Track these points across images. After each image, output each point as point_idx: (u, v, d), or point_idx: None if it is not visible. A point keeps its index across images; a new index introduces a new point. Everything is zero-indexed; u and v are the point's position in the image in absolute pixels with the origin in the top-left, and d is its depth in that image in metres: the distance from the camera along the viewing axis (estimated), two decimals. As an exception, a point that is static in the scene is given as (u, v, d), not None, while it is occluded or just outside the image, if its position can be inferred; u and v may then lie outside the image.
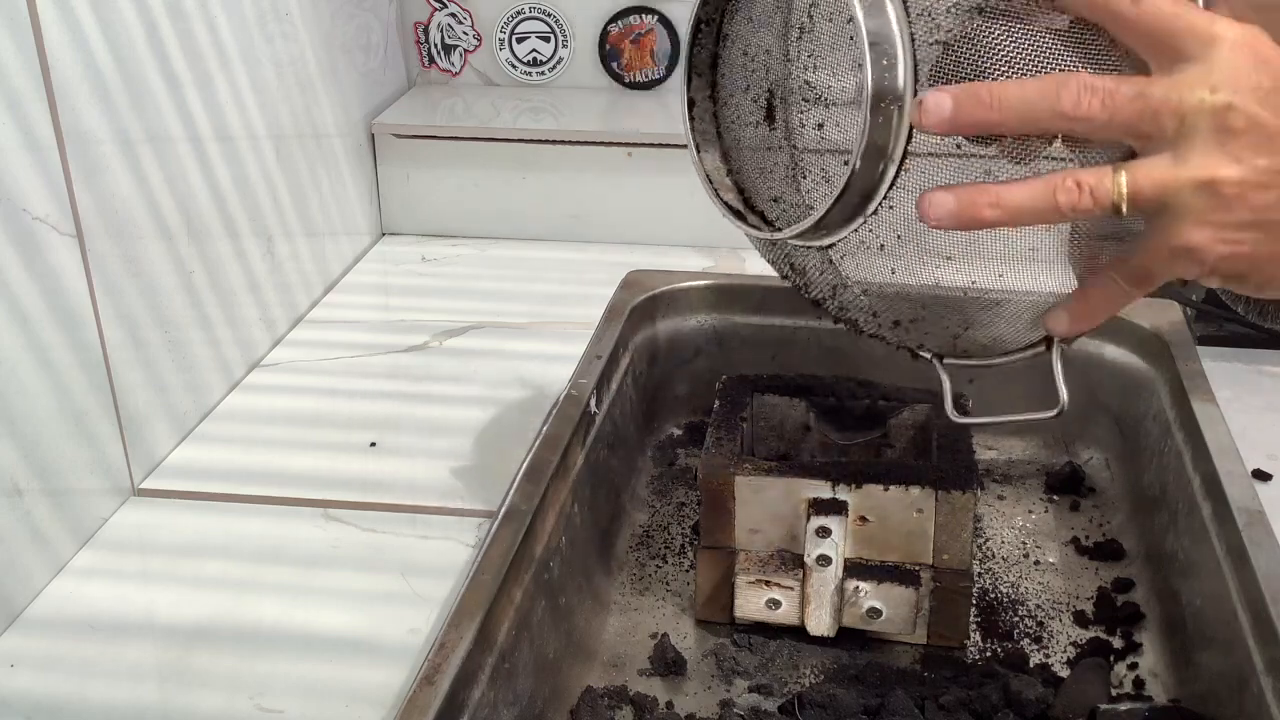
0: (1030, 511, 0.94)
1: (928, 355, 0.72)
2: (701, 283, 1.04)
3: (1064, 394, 0.66)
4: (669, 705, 0.76)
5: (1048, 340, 0.66)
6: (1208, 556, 0.75)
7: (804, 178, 0.66)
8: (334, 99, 1.17)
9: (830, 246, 0.63)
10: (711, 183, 0.69)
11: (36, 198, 0.75)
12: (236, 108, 0.98)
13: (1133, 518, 0.91)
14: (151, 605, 0.75)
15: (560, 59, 1.36)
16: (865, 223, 0.60)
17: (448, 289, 1.18)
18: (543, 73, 1.37)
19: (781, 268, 0.71)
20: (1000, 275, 0.63)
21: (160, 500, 0.86)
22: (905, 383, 0.86)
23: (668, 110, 1.33)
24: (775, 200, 0.68)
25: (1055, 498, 0.95)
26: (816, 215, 0.60)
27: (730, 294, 1.03)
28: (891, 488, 0.76)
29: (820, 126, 0.64)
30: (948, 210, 0.56)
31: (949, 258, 0.62)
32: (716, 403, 0.86)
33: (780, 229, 0.65)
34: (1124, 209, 0.54)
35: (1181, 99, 0.53)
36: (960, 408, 0.78)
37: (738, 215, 0.68)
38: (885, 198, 0.59)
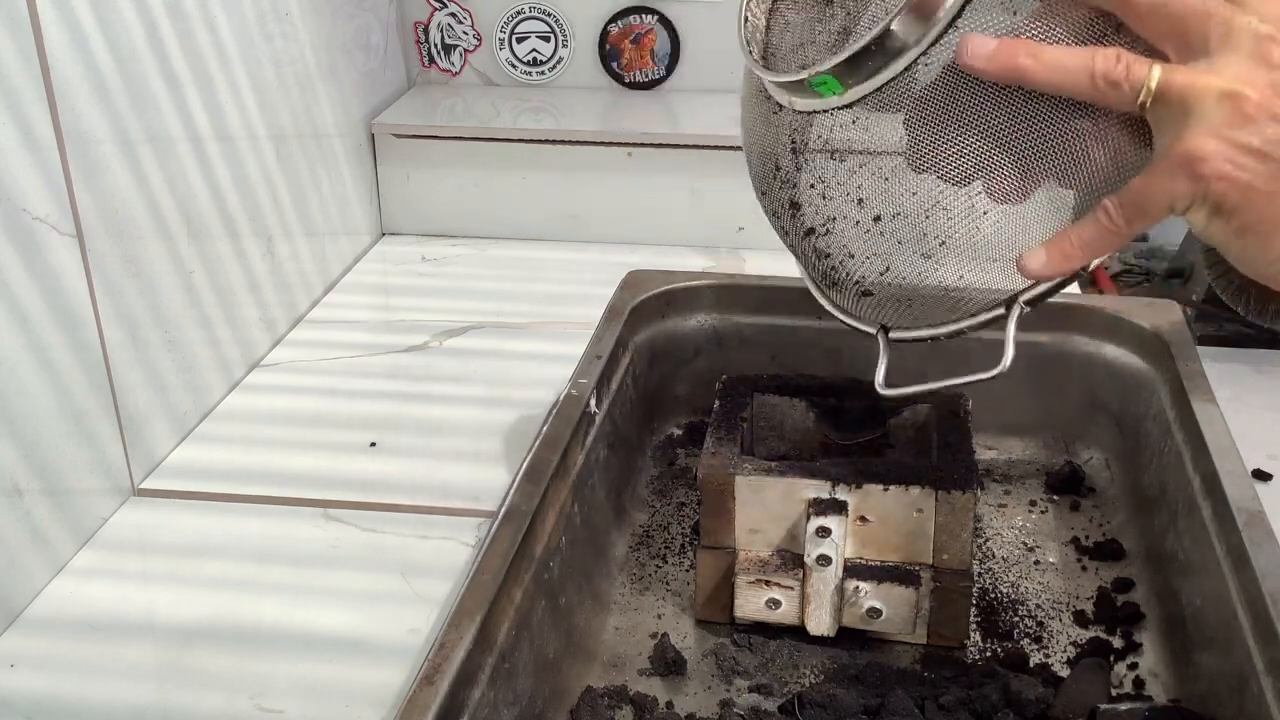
0: (1030, 511, 0.94)
1: (871, 330, 0.71)
2: (701, 283, 1.04)
3: (1009, 356, 0.65)
4: (669, 705, 0.76)
5: (1008, 302, 0.65)
6: (1208, 556, 0.75)
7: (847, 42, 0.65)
8: (334, 99, 1.17)
9: (849, 106, 0.63)
10: (749, 46, 0.68)
11: (36, 198, 0.75)
12: (236, 108, 0.98)
13: (1133, 518, 0.91)
14: (151, 605, 0.75)
15: (560, 59, 1.36)
16: (894, 80, 0.60)
17: (448, 289, 1.19)
18: (543, 73, 1.37)
19: (778, 156, 0.69)
20: (1008, 171, 0.62)
21: (160, 500, 0.86)
22: (905, 383, 0.86)
23: (668, 110, 1.33)
24: (804, 68, 0.66)
25: (1055, 498, 0.95)
26: (855, 47, 0.59)
27: (730, 294, 1.03)
28: (891, 488, 0.76)
29: None
30: (987, 51, 0.57)
31: (959, 141, 0.61)
32: (716, 403, 0.86)
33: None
34: (1148, 102, 0.56)
35: (1233, 14, 0.56)
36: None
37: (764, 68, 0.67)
38: (923, 55, 0.59)
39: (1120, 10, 0.57)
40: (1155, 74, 0.56)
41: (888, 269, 0.68)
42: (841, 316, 0.73)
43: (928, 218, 0.65)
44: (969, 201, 0.63)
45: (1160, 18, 0.56)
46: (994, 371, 0.66)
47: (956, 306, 0.67)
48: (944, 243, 0.65)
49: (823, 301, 0.74)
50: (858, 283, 0.69)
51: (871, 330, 0.71)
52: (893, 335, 0.71)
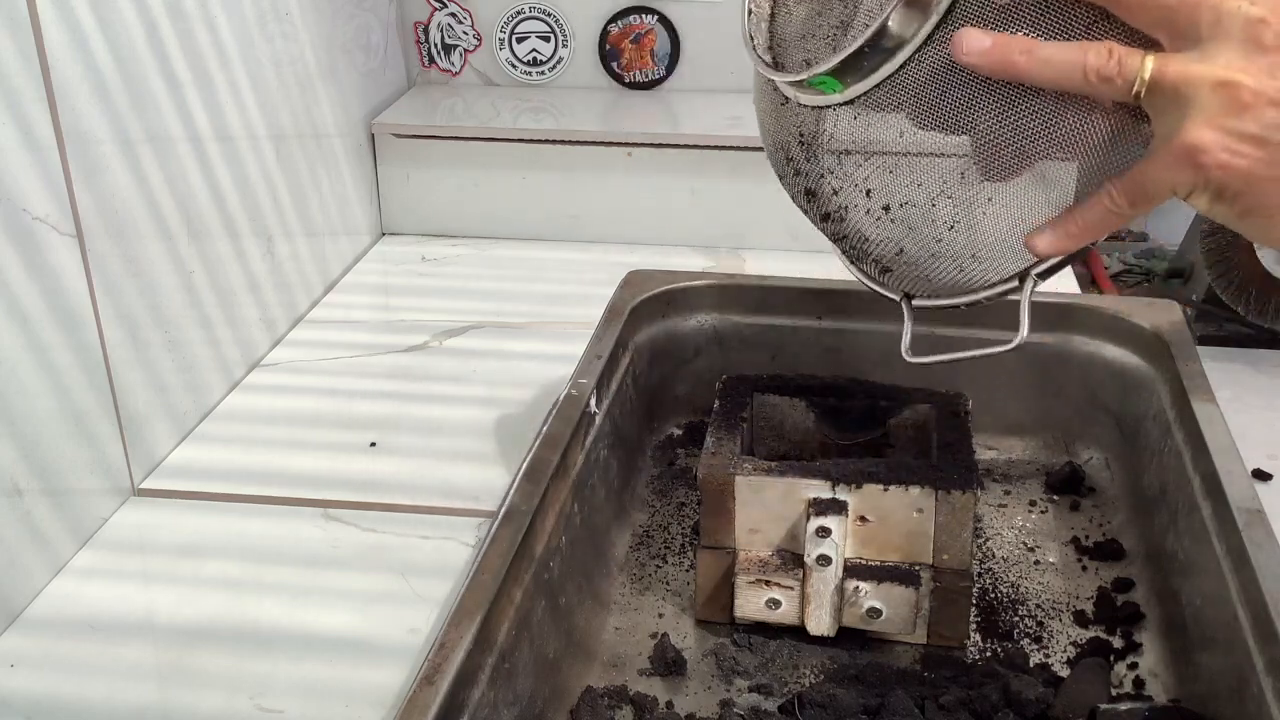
0: (1030, 511, 0.94)
1: (895, 296, 0.72)
2: (701, 283, 1.04)
3: (1025, 329, 0.66)
4: (669, 705, 0.76)
5: (1021, 275, 0.66)
6: (1208, 556, 0.75)
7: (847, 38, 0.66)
8: (334, 99, 1.17)
9: (850, 103, 0.63)
10: (753, 40, 0.69)
11: (36, 198, 0.75)
12: (236, 108, 0.98)
13: (1133, 518, 0.91)
14: (151, 605, 0.75)
15: (560, 59, 1.36)
16: (893, 77, 0.60)
17: (448, 289, 1.19)
18: (543, 73, 1.37)
19: (788, 146, 0.70)
20: (1009, 159, 0.63)
21: (160, 500, 0.86)
22: (905, 383, 0.86)
23: (668, 110, 1.33)
24: (808, 64, 0.67)
25: (1055, 498, 0.95)
26: (851, 48, 0.60)
27: (730, 294, 1.03)
28: (891, 488, 0.76)
29: None
30: (981, 47, 0.57)
31: (961, 131, 0.62)
32: (716, 403, 0.86)
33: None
34: (1142, 93, 0.56)
35: (1222, 0, 0.55)
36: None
37: (770, 67, 0.68)
38: (919, 51, 0.59)
39: (1110, 3, 0.57)
40: (1148, 66, 0.56)
41: (901, 251, 0.70)
42: (869, 284, 0.74)
43: (934, 206, 0.66)
44: (973, 189, 0.64)
45: (1149, 8, 0.57)
46: (1013, 344, 0.67)
47: (971, 284, 0.69)
48: (953, 227, 0.66)
49: (852, 271, 0.75)
50: (876, 261, 0.71)
51: (895, 297, 0.73)
52: (915, 303, 0.72)
